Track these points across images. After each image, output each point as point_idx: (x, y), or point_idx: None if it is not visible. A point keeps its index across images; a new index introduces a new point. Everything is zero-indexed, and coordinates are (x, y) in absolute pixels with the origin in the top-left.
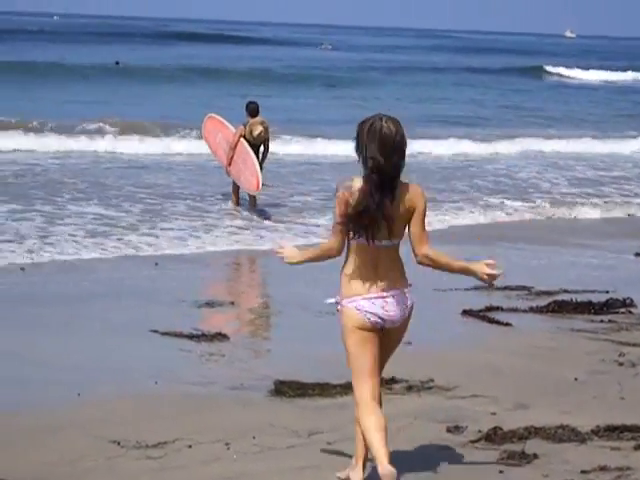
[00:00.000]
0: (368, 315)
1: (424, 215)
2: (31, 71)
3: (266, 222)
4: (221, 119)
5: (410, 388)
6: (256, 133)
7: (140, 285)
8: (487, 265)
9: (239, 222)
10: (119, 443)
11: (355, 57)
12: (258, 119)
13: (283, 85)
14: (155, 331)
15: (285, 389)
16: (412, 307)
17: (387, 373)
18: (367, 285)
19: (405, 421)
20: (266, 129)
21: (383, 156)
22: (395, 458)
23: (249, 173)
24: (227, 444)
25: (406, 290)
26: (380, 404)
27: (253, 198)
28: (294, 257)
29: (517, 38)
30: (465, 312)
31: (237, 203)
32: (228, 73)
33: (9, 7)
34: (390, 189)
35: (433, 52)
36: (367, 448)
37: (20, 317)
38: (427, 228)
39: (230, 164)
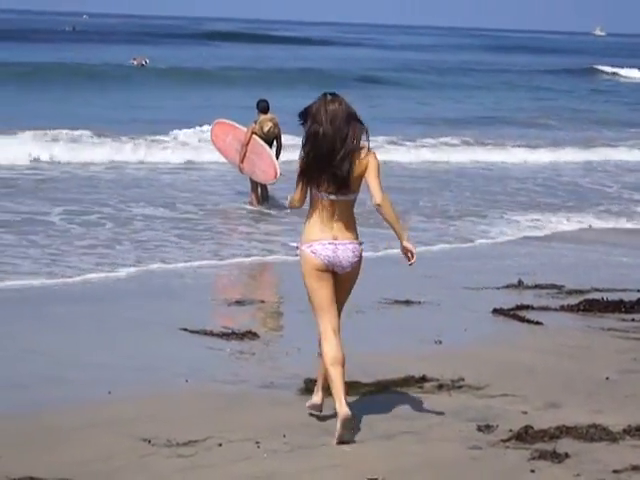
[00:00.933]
0: (321, 257)
1: (377, 170)
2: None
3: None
4: (230, 122)
5: (441, 387)
6: (266, 129)
7: (170, 283)
8: (408, 250)
9: (267, 223)
10: (150, 441)
11: (398, 56)
12: (268, 116)
13: (345, 86)
14: (185, 329)
15: None
16: (361, 257)
17: (418, 371)
18: (322, 233)
19: (436, 420)
20: (275, 125)
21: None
22: (426, 457)
23: (265, 165)
24: (257, 442)
25: (356, 242)
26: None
27: (265, 191)
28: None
29: (549, 36)
30: (496, 311)
31: (258, 202)
32: (279, 73)
33: (42, 6)
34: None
35: (475, 51)
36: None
37: (51, 316)
38: None
39: (243, 161)
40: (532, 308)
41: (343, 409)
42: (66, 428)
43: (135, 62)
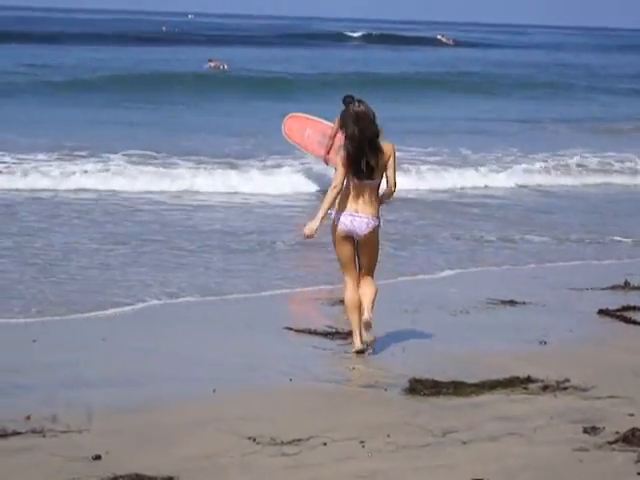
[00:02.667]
0: (342, 225)
1: (395, 163)
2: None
3: None
4: (305, 115)
5: (546, 388)
6: None
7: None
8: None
9: None
10: (254, 439)
11: (549, 58)
12: None
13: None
14: (289, 328)
15: (420, 387)
16: (376, 227)
17: (523, 372)
18: (348, 206)
19: (541, 421)
20: None
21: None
22: (531, 458)
23: None
24: (362, 442)
25: (372, 217)
26: (370, 289)
27: None
28: (312, 228)
29: None
30: (601, 312)
31: None
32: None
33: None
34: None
35: (611, 51)
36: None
37: (158, 314)
38: None
39: (329, 152)
40: (638, 309)
41: (358, 345)
42: (173, 425)
43: (212, 65)
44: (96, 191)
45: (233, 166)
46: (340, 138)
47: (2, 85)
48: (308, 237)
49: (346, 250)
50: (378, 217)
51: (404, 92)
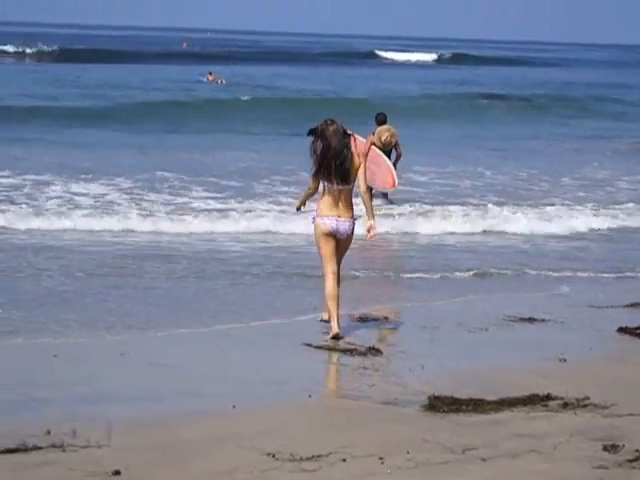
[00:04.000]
0: (329, 226)
1: (365, 168)
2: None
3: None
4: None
5: (566, 405)
6: (383, 138)
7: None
8: (372, 227)
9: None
10: (274, 455)
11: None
12: (385, 127)
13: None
14: (309, 344)
15: (439, 404)
16: (353, 228)
17: (542, 389)
18: (331, 211)
19: (561, 438)
20: (392, 134)
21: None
22: (552, 476)
23: (383, 173)
24: (381, 459)
25: (351, 219)
26: (338, 282)
27: (385, 195)
28: (297, 205)
29: None
30: (621, 329)
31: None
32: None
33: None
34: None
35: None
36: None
37: (178, 330)
38: None
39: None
40: None
41: (335, 329)
42: (192, 440)
43: (210, 79)
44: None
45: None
46: (374, 155)
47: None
48: (297, 209)
49: (330, 247)
50: (354, 218)
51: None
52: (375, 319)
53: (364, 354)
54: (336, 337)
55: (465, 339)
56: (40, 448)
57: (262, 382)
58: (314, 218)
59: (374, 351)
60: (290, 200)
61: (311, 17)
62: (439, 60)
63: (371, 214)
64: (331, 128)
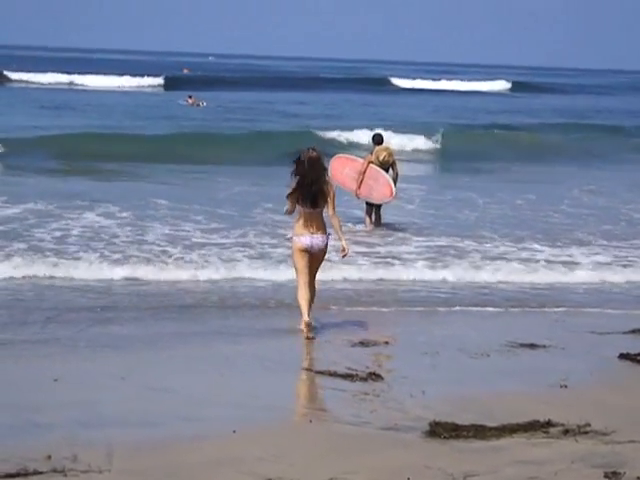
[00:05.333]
0: (304, 243)
1: (334, 196)
2: None
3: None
4: (348, 156)
5: (567, 432)
6: (381, 157)
7: (293, 324)
8: (345, 248)
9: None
10: None
11: None
12: (383, 146)
13: None
14: (309, 370)
15: (440, 430)
16: (327, 244)
17: (543, 416)
18: (305, 230)
19: (562, 465)
20: (390, 154)
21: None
22: None
23: (381, 186)
24: None
25: (324, 235)
26: (312, 291)
27: (378, 218)
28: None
29: None
30: (622, 356)
31: (372, 222)
32: None
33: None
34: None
35: None
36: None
37: (177, 354)
38: None
39: (360, 187)
40: None
41: (306, 318)
42: (193, 465)
43: (190, 102)
44: None
45: None
46: (372, 171)
47: None
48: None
49: (304, 261)
50: (328, 234)
51: None
52: (376, 344)
53: (365, 379)
54: (309, 325)
55: (466, 365)
56: (41, 473)
57: (262, 407)
58: (290, 236)
59: (375, 376)
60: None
61: (355, 43)
62: (512, 89)
63: (342, 236)
64: (310, 157)
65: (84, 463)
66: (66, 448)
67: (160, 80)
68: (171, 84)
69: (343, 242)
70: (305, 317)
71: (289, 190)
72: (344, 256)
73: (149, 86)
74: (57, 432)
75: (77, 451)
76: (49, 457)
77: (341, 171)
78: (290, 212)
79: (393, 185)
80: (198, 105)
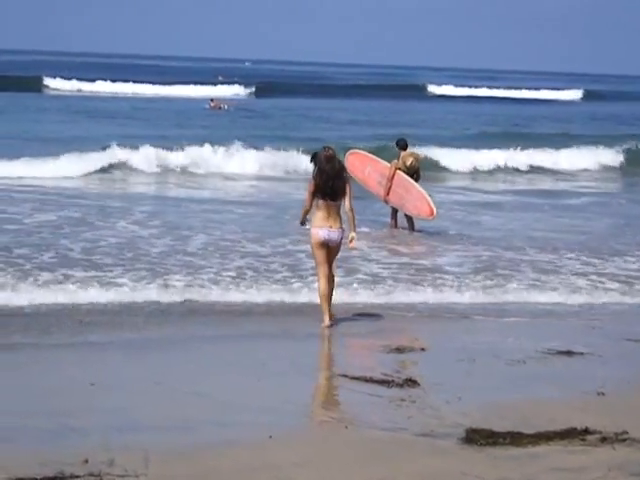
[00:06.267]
0: (322, 236)
1: (351, 189)
2: None
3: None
4: (366, 153)
5: (604, 439)
6: (408, 163)
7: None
8: (353, 238)
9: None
10: None
11: None
12: (408, 152)
13: None
14: (345, 376)
15: (476, 437)
16: (342, 237)
17: (580, 423)
18: (323, 222)
19: (599, 473)
20: (416, 159)
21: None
22: None
23: (415, 199)
24: None
25: (341, 229)
26: (332, 280)
27: (411, 223)
28: (298, 223)
29: None
30: None
31: (396, 226)
32: None
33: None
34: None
35: None
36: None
37: (213, 358)
38: None
39: (388, 194)
40: None
41: (326, 322)
42: (228, 470)
43: (212, 104)
44: None
45: None
46: (400, 180)
47: None
48: (301, 224)
49: (322, 253)
50: (343, 228)
51: None
52: (412, 350)
53: (401, 385)
54: (327, 327)
55: (502, 371)
56: (78, 477)
57: (298, 413)
58: (309, 228)
59: (411, 383)
60: None
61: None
62: (585, 97)
63: (353, 227)
64: (326, 155)
65: (120, 467)
66: (102, 453)
67: (252, 88)
68: (261, 92)
69: (353, 233)
70: (326, 322)
71: (309, 187)
72: (351, 243)
73: (243, 94)
74: (93, 436)
75: (114, 455)
76: (86, 461)
77: (362, 170)
78: (310, 207)
79: (431, 201)
80: (220, 108)
